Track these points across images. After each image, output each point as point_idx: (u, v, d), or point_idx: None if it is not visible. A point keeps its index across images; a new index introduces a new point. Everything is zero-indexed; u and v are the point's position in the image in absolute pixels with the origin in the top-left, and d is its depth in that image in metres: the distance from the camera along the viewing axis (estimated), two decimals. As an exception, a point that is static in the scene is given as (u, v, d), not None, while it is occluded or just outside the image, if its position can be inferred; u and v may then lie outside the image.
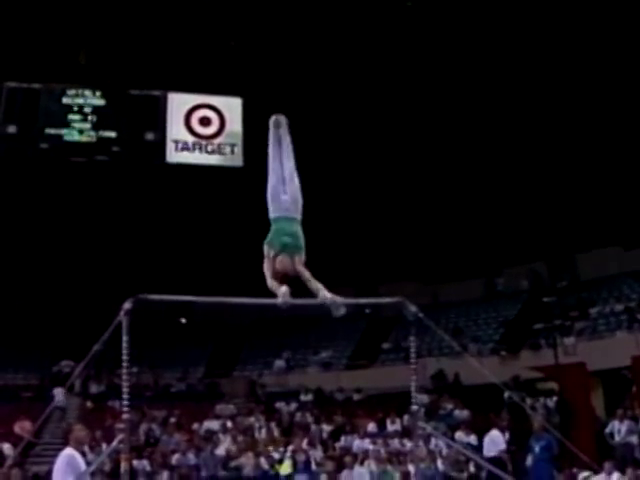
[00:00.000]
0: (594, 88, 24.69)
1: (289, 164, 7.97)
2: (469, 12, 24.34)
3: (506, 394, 19.65)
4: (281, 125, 8.11)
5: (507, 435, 18.68)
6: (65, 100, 25.52)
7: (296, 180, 7.95)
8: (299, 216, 7.89)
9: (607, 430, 18.89)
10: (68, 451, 8.54)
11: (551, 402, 22.39)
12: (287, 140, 8.07)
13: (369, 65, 25.77)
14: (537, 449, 14.68)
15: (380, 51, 25.49)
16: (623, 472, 14.82)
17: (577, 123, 25.69)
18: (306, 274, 7.50)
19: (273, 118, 8.14)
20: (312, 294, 7.51)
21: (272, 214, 7.87)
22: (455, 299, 30.64)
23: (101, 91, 25.79)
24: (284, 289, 7.37)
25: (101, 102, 25.75)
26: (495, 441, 17.87)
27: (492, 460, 17.67)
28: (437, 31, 24.87)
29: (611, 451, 18.08)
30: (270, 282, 7.52)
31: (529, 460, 15.30)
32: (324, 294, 7.36)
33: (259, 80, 25.68)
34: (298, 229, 7.77)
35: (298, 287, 7.61)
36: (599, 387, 23.69)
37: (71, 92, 25.59)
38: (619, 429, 18.58)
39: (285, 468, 16.77)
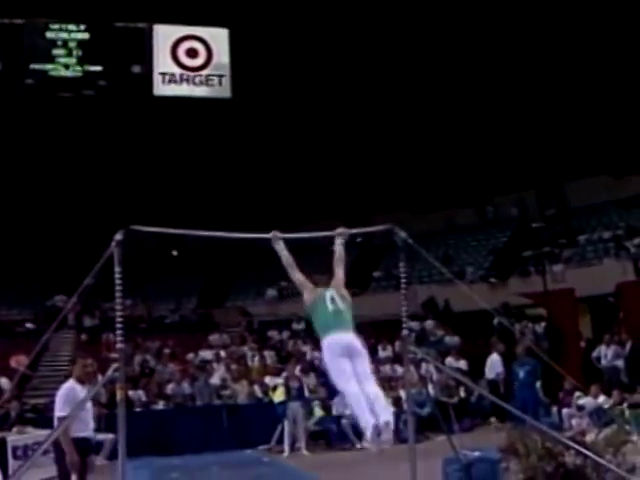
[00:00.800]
0: (582, 20, 24.52)
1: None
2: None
3: (496, 320, 19.93)
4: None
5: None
6: (49, 35, 25.18)
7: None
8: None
9: (594, 354, 19.23)
10: (69, 384, 8.39)
11: (540, 328, 22.70)
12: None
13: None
14: (521, 374, 14.90)
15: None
16: (609, 395, 15.14)
17: (566, 52, 25.53)
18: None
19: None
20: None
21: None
22: (445, 227, 30.80)
23: (85, 25, 25.43)
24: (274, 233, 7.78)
25: (86, 36, 25.43)
26: (494, 365, 18.28)
27: (490, 382, 18.13)
28: None
29: (598, 374, 18.43)
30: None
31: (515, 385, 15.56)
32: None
33: (246, 11, 25.35)
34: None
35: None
36: (587, 313, 24.01)
37: (55, 26, 25.22)
38: (606, 354, 18.93)
39: (279, 395, 17.00)
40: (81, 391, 8.24)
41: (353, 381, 7.37)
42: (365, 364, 7.62)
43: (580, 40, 24.89)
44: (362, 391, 7.32)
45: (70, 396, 8.17)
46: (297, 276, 7.98)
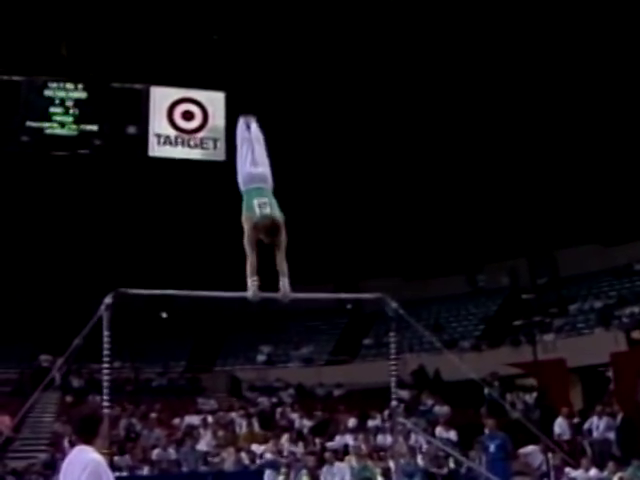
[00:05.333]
0: (574, 89, 24.83)
1: (259, 147, 8.18)
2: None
3: (486, 390, 19.76)
4: (251, 123, 8.46)
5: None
6: (47, 93, 25.33)
7: (267, 160, 8.14)
8: (271, 187, 8.00)
9: (585, 426, 19.03)
10: (95, 455, 5.34)
11: (530, 398, 22.53)
12: (259, 134, 8.36)
13: (353, 58, 25.74)
14: (492, 448, 14.69)
15: (366, 44, 25.44)
16: (601, 468, 14.95)
17: (557, 122, 25.83)
18: (283, 244, 7.84)
19: (242, 119, 8.49)
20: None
21: (244, 187, 7.96)
22: (436, 295, 30.76)
23: (83, 84, 25.61)
24: (252, 285, 7.63)
25: (83, 95, 25.58)
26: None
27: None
28: (424, 24, 24.89)
29: (589, 447, 18.23)
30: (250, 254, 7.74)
31: (483, 459, 15.33)
32: (283, 283, 7.73)
33: (242, 74, 25.64)
34: (272, 198, 7.85)
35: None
36: (578, 383, 23.87)
37: (53, 85, 25.40)
38: (597, 425, 18.72)
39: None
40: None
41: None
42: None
43: (569, 110, 25.19)
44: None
45: (107, 477, 5.35)
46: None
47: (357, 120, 26.86)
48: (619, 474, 14.42)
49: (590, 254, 27.71)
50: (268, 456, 17.84)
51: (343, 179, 28.06)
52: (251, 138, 8.20)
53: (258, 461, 17.95)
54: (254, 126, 8.39)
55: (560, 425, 18.82)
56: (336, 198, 28.66)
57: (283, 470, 16.91)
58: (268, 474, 16.59)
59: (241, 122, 8.45)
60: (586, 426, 19.01)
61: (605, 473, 14.67)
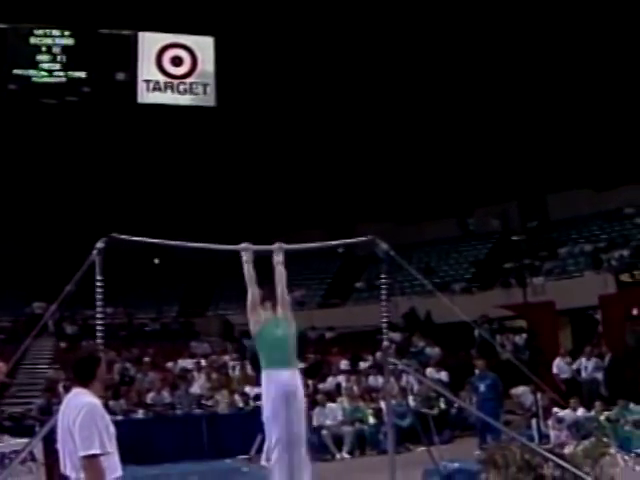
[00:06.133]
0: (565, 36, 24.69)
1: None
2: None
3: (476, 332, 19.98)
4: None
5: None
6: (33, 40, 25.04)
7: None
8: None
9: (574, 367, 19.28)
10: (90, 398, 5.25)
11: (520, 339, 22.77)
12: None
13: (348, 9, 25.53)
14: (482, 388, 14.89)
15: None
16: (589, 408, 15.19)
17: (549, 66, 25.70)
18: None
19: None
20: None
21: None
22: (428, 238, 30.88)
23: (70, 31, 25.31)
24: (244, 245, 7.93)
25: (70, 42, 25.32)
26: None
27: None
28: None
29: (577, 386, 18.49)
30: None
31: (473, 399, 15.55)
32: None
33: (231, 19, 25.36)
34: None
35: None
36: (567, 325, 24.11)
37: (39, 32, 25.11)
38: (586, 366, 18.98)
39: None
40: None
41: (281, 445, 7.63)
42: (302, 422, 7.87)
43: (562, 53, 25.08)
44: (289, 457, 7.59)
45: (103, 420, 5.23)
46: (254, 291, 8.10)
47: (352, 65, 26.72)
48: (606, 413, 14.67)
49: (581, 198, 27.82)
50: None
51: (337, 125, 27.96)
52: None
53: (252, 402, 18.11)
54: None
55: (558, 365, 19.09)
56: (330, 144, 28.57)
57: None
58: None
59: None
60: (575, 366, 19.28)
61: (592, 413, 14.90)
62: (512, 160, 27.63)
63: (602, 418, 14.49)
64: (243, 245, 8.21)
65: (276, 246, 8.37)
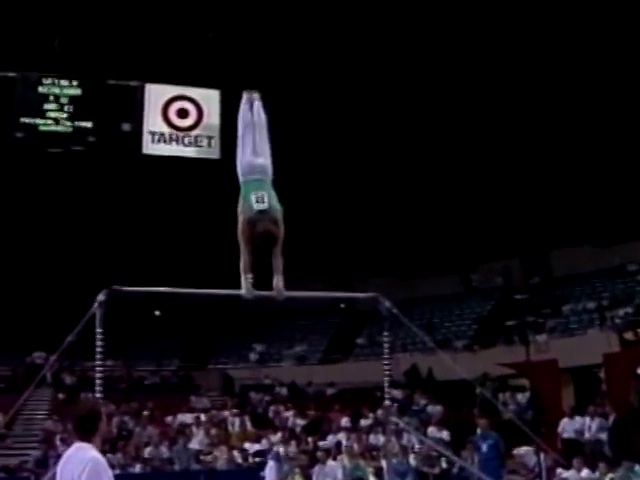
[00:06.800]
0: (567, 91, 24.87)
1: (262, 134, 7.89)
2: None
3: (478, 390, 19.77)
4: (254, 101, 8.13)
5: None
6: (41, 89, 25.22)
7: (268, 149, 7.86)
8: (270, 179, 7.74)
9: (577, 427, 19.06)
10: (94, 453, 5.09)
11: (523, 398, 22.55)
12: (262, 115, 8.04)
13: (351, 56, 25.72)
14: (484, 447, 14.69)
15: (364, 40, 25.39)
16: (593, 469, 14.97)
17: (552, 123, 25.85)
18: (278, 249, 7.59)
19: (246, 96, 8.16)
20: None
21: (243, 177, 7.76)
22: (430, 295, 30.78)
23: (78, 80, 25.52)
24: (246, 282, 7.52)
25: (77, 92, 25.48)
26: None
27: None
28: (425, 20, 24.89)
29: (579, 447, 18.26)
30: (244, 253, 7.55)
31: (475, 459, 15.33)
32: (277, 281, 7.59)
33: (237, 72, 25.59)
34: (271, 190, 7.60)
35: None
36: (570, 384, 23.89)
37: (47, 81, 25.29)
38: (589, 426, 18.76)
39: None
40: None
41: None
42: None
43: (562, 104, 25.22)
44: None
45: (106, 476, 5.06)
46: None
47: (354, 120, 26.85)
48: (610, 475, 14.44)
49: (583, 255, 27.75)
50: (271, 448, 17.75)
51: (338, 178, 28.06)
52: (254, 122, 7.89)
53: (251, 459, 17.94)
54: (257, 105, 8.06)
55: (564, 425, 18.92)
56: (331, 198, 28.66)
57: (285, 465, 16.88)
58: (271, 466, 16.50)
59: (244, 99, 8.12)
60: (578, 427, 19.05)
61: (596, 474, 14.68)
62: (514, 216, 27.65)
63: (607, 480, 14.29)
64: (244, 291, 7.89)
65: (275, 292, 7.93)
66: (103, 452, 5.08)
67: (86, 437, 5.16)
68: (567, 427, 18.92)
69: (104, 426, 5.33)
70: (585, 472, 14.77)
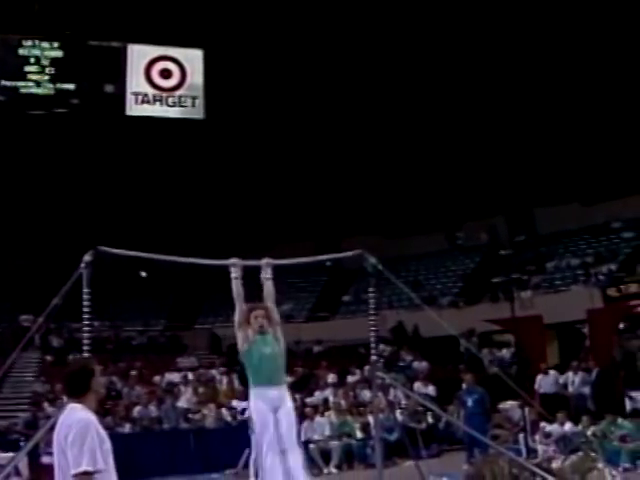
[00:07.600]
0: (556, 49, 24.81)
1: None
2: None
3: (463, 345, 19.96)
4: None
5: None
6: (21, 51, 24.87)
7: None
8: None
9: (561, 381, 19.30)
10: (84, 414, 4.94)
11: (508, 353, 22.78)
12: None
13: (338, 18, 25.53)
14: (470, 402, 14.88)
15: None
16: (576, 422, 15.19)
17: (538, 79, 25.81)
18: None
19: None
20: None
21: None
22: (416, 252, 30.91)
23: (59, 42, 25.20)
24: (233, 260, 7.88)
25: (59, 53, 25.14)
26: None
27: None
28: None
29: (564, 401, 18.50)
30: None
31: (461, 414, 15.52)
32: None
33: (220, 31, 25.39)
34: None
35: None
36: (554, 339, 24.15)
37: (27, 43, 24.93)
38: (573, 380, 19.01)
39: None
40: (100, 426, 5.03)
41: (272, 452, 7.39)
42: (292, 431, 7.67)
43: (551, 67, 25.18)
44: (282, 463, 7.32)
45: (98, 437, 4.96)
46: (242, 307, 8.01)
47: (341, 79, 26.72)
48: (593, 428, 14.67)
49: (567, 212, 27.90)
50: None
51: (326, 138, 28.00)
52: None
53: (239, 416, 18.06)
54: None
55: (540, 381, 19.15)
56: (320, 157, 28.60)
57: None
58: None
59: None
60: (562, 381, 19.30)
61: (580, 427, 14.91)
62: (500, 174, 27.70)
63: (589, 433, 14.49)
64: (232, 260, 8.15)
65: (264, 262, 8.30)
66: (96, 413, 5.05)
67: (77, 396, 5.01)
68: (542, 383, 19.15)
69: (98, 385, 5.17)
70: (568, 426, 14.98)
